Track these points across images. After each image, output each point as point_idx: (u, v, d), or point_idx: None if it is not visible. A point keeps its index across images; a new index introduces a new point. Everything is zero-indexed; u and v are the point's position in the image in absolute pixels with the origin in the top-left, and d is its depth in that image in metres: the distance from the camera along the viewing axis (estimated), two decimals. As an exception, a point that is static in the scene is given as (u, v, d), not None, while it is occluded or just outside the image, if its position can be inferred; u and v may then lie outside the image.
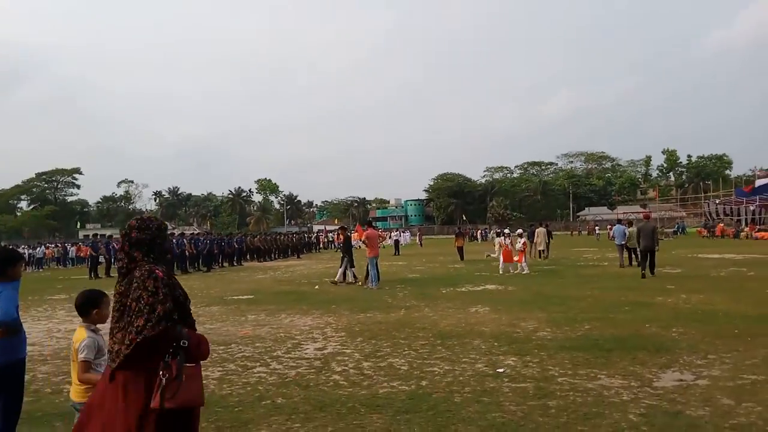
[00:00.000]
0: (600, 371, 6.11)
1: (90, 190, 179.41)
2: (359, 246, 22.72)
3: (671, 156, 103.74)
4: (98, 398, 2.95)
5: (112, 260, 25.12)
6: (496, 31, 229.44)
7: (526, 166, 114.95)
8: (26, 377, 6.47)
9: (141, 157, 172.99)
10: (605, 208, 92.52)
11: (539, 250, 24.53)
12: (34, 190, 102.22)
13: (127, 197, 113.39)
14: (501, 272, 18.10)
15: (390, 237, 44.87)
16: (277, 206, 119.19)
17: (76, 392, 3.51)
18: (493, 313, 10.26)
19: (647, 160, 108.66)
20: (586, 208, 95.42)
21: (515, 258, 18.56)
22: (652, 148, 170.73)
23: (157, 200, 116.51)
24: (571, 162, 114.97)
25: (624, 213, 71.38)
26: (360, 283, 16.22)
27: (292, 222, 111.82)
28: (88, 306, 3.56)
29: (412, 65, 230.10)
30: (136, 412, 2.78)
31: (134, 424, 2.77)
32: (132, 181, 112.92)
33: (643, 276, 15.48)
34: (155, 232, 3.13)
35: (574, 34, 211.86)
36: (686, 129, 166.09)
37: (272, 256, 34.49)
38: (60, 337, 9.26)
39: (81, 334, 3.50)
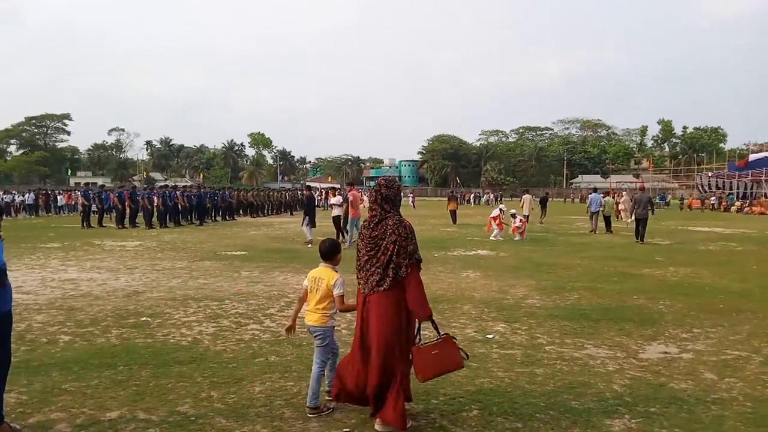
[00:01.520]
0: (587, 341, 6.25)
1: (80, 137, 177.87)
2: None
3: (666, 126, 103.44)
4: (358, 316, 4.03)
5: (105, 210, 25.05)
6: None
7: (521, 130, 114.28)
8: (21, 327, 6.56)
9: (133, 105, 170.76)
10: (598, 176, 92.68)
11: (524, 215, 24.59)
12: (24, 134, 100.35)
13: (118, 146, 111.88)
14: (492, 237, 18.23)
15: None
16: (270, 161, 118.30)
17: (315, 318, 4.26)
18: (484, 279, 10.38)
19: (643, 130, 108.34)
20: (580, 176, 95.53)
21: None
22: (648, 118, 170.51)
23: (149, 150, 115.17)
24: (567, 128, 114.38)
25: (617, 182, 71.73)
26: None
27: (285, 178, 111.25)
28: (334, 252, 4.39)
29: (412, 23, 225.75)
30: (390, 321, 3.82)
31: (394, 329, 3.83)
32: (123, 130, 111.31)
33: (638, 242, 17.11)
34: (396, 191, 4.08)
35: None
36: (683, 100, 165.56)
37: (265, 211, 34.48)
38: (54, 287, 9.29)
39: (331, 274, 4.27)
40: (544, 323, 7.02)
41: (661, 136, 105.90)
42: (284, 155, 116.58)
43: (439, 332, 3.94)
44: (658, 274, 11.10)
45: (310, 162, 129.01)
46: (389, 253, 3.81)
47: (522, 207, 24.19)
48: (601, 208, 21.00)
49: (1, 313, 3.82)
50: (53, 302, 8.09)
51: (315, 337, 4.29)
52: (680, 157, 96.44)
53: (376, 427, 3.90)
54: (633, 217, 18.13)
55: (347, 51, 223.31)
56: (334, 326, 4.34)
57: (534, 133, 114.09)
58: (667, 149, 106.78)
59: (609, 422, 4.10)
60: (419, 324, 3.97)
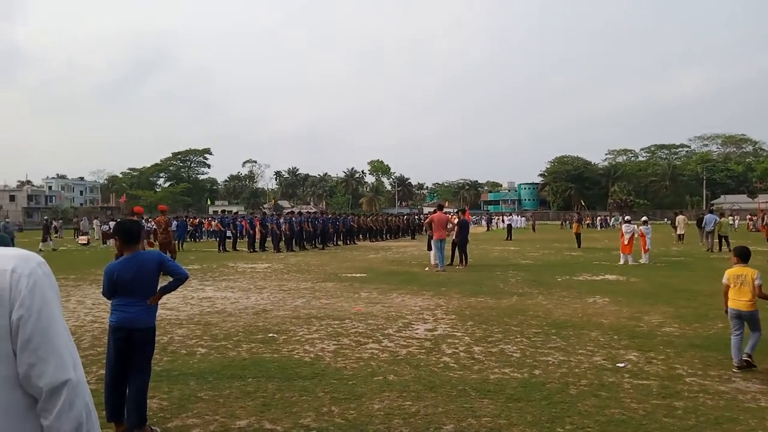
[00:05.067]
0: (735, 373, 5.62)
1: (218, 170, 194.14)
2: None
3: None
4: None
5: (238, 236, 26.87)
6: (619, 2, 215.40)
7: (653, 149, 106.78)
8: (164, 339, 7.16)
9: (265, 138, 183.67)
10: (744, 195, 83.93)
11: (679, 234, 27.81)
12: (171, 168, 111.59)
13: (250, 176, 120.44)
14: (621, 263, 17.12)
15: (503, 221, 44.04)
16: (389, 187, 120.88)
17: (743, 304, 5.71)
18: (613, 305, 9.74)
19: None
20: (722, 196, 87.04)
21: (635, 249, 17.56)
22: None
23: (278, 180, 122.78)
24: (706, 145, 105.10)
25: (766, 202, 64.50)
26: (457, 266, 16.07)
27: (403, 203, 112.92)
28: (748, 255, 5.95)
29: (531, 43, 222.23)
30: None
31: None
32: (255, 162, 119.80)
33: None
34: None
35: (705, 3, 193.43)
36: None
37: (384, 236, 35.14)
38: (193, 304, 10.09)
39: (750, 271, 5.73)
40: (684, 353, 6.42)
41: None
42: (402, 181, 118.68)
43: None
44: (823, 303, 9.74)
45: (427, 188, 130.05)
46: None
47: (677, 227, 28.35)
48: (714, 227, 22.46)
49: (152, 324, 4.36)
50: (192, 318, 8.78)
51: (743, 319, 5.70)
52: None
53: None
54: None
55: (464, 78, 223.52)
56: (758, 310, 5.61)
57: (668, 151, 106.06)
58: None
59: (765, 465, 3.62)
60: None
